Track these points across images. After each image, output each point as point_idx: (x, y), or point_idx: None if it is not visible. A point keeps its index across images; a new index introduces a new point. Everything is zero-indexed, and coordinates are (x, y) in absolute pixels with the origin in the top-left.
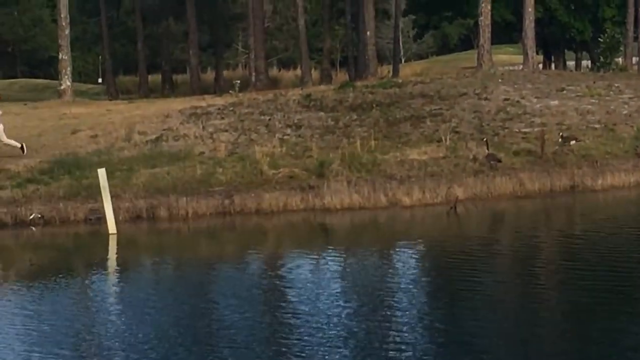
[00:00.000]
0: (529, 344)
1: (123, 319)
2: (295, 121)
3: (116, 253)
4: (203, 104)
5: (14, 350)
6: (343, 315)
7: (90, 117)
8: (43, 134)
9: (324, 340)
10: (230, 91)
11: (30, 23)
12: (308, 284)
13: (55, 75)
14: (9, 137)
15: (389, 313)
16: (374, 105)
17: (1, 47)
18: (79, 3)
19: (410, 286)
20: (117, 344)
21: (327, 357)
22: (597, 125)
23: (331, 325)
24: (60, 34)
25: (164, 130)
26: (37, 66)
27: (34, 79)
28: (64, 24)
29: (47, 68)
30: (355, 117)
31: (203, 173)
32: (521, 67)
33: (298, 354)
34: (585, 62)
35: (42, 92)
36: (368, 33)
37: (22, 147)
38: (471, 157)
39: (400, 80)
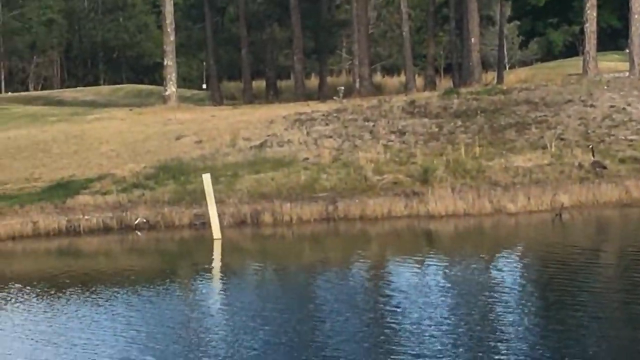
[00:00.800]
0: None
1: (228, 325)
2: (400, 127)
3: (221, 258)
4: (307, 110)
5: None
6: (451, 324)
7: (194, 123)
8: (148, 140)
9: (433, 350)
10: (334, 97)
11: (135, 29)
12: (413, 291)
13: (159, 81)
14: (112, 142)
15: (494, 322)
16: (479, 112)
17: (107, 54)
18: (183, 9)
19: (516, 295)
20: (222, 350)
21: None
22: None
23: (439, 333)
24: (165, 40)
25: (268, 136)
26: (142, 72)
27: (138, 85)
28: (169, 30)
29: (152, 74)
30: (459, 123)
31: (307, 179)
32: (627, 74)
33: None
34: None
35: (147, 98)
36: (472, 39)
37: None
38: (576, 164)
39: (504, 87)
